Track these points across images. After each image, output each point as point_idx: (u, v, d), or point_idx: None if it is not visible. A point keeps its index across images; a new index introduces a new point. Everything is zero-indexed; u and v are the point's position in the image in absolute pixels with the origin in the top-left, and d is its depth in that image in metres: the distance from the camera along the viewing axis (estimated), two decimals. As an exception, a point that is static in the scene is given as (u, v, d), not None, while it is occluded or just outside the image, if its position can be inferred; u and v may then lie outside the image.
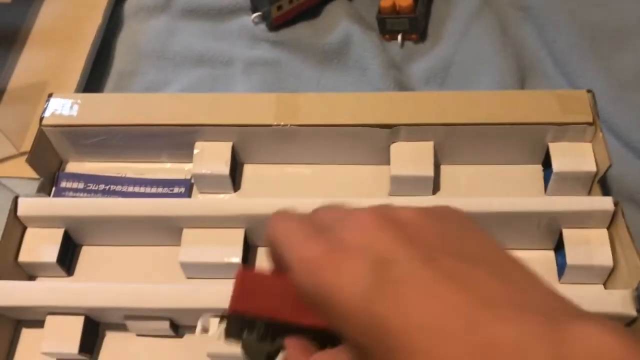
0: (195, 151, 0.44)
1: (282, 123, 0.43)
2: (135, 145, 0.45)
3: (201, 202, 0.42)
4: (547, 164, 0.43)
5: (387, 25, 0.55)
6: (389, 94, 0.46)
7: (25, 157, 0.48)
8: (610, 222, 0.39)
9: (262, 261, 0.42)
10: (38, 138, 0.44)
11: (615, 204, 0.39)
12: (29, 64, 0.56)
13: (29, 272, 0.43)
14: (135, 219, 0.41)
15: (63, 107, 0.45)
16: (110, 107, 0.45)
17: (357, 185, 0.45)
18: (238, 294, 0.23)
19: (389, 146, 0.43)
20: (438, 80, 0.53)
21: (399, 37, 0.55)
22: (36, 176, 0.46)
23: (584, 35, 0.54)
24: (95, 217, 0.41)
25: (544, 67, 0.53)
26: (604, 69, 0.52)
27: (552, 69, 0.53)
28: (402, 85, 0.52)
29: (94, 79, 0.56)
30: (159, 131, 0.44)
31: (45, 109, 0.45)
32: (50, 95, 0.46)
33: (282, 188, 0.45)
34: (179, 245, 0.41)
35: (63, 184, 0.46)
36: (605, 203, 0.39)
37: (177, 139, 0.44)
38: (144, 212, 0.41)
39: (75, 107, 0.45)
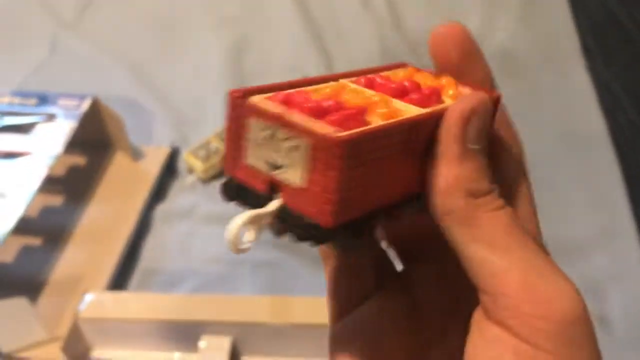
0: (201, 344, 0.52)
1: (275, 321, 0.51)
2: (152, 336, 0.53)
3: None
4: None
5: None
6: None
7: (55, 342, 0.56)
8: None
9: None
10: (72, 329, 0.53)
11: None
12: (69, 260, 0.67)
13: None
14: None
15: (96, 303, 0.54)
16: (134, 304, 0.54)
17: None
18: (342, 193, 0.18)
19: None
20: None
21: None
22: (65, 360, 0.54)
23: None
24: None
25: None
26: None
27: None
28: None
29: (124, 272, 0.65)
30: (171, 326, 0.52)
31: (81, 303, 0.54)
32: (85, 292, 0.55)
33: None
34: None
35: (87, 369, 0.53)
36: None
37: (186, 333, 0.52)
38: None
39: (106, 303, 0.54)
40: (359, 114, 0.19)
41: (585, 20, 0.94)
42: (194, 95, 0.85)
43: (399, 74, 0.23)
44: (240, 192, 0.20)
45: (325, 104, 0.20)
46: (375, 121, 0.19)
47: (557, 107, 0.80)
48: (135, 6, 1.01)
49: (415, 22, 0.94)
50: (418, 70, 0.24)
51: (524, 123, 0.77)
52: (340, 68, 0.88)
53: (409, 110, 0.20)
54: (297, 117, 0.19)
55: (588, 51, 0.90)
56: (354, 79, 0.23)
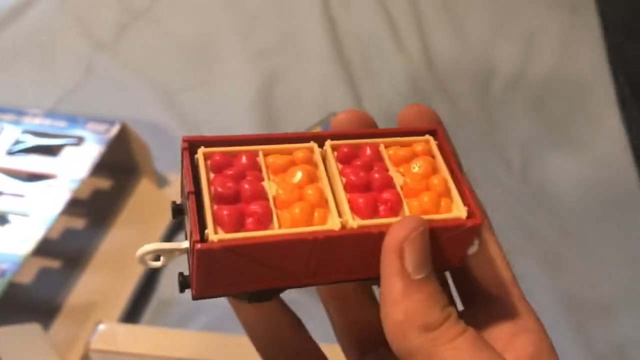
0: (211, 385, 0.51)
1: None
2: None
3: None
4: None
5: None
6: None
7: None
8: None
9: None
10: (83, 358, 0.52)
11: None
12: (86, 285, 0.66)
13: None
14: None
15: (108, 334, 0.53)
16: (147, 339, 0.53)
17: None
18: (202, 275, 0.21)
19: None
20: None
21: None
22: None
23: (567, 309, 0.61)
24: None
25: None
26: (584, 341, 0.58)
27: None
28: None
29: (139, 302, 0.65)
30: (183, 364, 0.51)
31: (92, 334, 0.53)
32: (98, 323, 0.55)
33: None
34: None
35: (95, 402, 0.53)
36: None
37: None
38: None
39: (118, 335, 0.53)
40: (266, 214, 0.21)
41: (622, 69, 0.92)
42: (221, 126, 0.86)
43: (416, 148, 0.23)
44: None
45: (244, 190, 0.21)
46: (271, 226, 0.21)
47: (590, 159, 0.78)
48: (171, 31, 1.03)
49: (448, 65, 0.93)
50: (441, 146, 0.23)
51: (556, 174, 0.75)
52: (367, 106, 0.87)
53: (329, 220, 0.21)
54: (192, 211, 0.21)
55: (624, 103, 0.88)
56: (342, 143, 0.23)
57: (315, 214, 0.21)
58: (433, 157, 0.23)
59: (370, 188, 0.21)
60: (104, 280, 0.67)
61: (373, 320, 0.24)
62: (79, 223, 0.73)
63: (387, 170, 0.22)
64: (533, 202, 0.71)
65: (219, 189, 0.21)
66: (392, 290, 0.19)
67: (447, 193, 0.22)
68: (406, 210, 0.21)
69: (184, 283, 0.22)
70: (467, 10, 1.02)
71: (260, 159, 0.22)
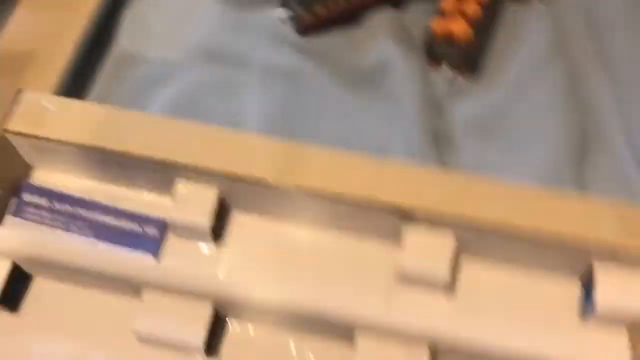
0: (176, 190, 0.37)
1: (279, 183, 0.36)
2: (110, 168, 0.39)
3: (167, 270, 0.36)
4: (588, 284, 0.36)
5: (435, 51, 0.46)
6: (411, 169, 0.38)
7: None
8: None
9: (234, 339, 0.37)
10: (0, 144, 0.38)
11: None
12: (19, 27, 0.49)
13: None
14: (90, 271, 0.35)
15: (32, 111, 0.38)
16: (85, 122, 0.38)
17: (357, 266, 0.38)
18: None
19: (402, 227, 0.36)
20: (479, 134, 0.44)
21: (447, 68, 0.47)
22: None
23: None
24: (48, 261, 0.35)
25: (611, 140, 0.44)
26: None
27: (621, 145, 0.43)
28: (436, 132, 0.44)
29: (91, 55, 0.48)
30: (134, 161, 0.37)
31: (10, 109, 0.38)
32: (19, 92, 0.39)
33: (272, 249, 0.38)
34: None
35: (26, 197, 0.40)
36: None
37: (155, 173, 0.37)
38: (101, 267, 0.35)
39: (47, 113, 0.38)
40: None
41: None
42: None
43: None
44: None
45: None
46: None
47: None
48: None
49: None
50: None
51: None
52: None
53: None
54: None
55: None
56: None
57: None
58: None
59: None
60: (43, 20, 0.49)
61: None
62: None
63: None
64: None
65: None
66: None
67: None
68: None
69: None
70: None
71: None
